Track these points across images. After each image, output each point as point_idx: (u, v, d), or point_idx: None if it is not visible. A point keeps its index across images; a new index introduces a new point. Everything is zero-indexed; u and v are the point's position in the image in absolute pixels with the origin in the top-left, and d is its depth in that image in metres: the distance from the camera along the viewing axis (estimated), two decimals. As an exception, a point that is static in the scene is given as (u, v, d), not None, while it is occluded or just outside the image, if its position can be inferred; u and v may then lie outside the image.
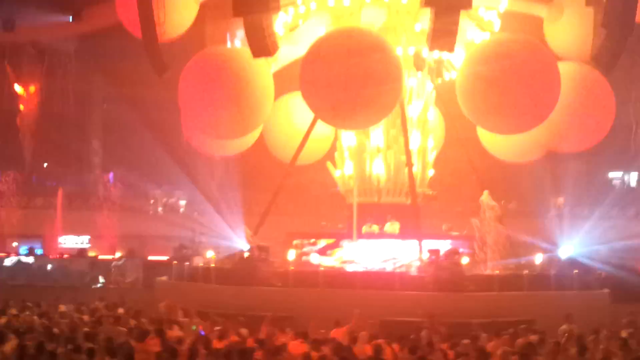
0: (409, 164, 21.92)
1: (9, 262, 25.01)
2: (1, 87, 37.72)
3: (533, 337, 12.98)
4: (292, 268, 20.03)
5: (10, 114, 36.54)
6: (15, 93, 37.23)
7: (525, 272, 19.13)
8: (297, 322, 15.54)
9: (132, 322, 14.66)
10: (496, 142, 23.00)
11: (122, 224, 32.76)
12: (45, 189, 35.67)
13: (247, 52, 19.49)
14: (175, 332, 13.49)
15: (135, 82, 34.83)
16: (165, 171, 40.85)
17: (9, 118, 36.30)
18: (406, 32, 22.37)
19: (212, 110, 20.49)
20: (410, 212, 21.80)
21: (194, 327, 14.23)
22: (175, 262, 22.25)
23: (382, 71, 18.49)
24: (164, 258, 25.21)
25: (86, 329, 13.49)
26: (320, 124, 21.53)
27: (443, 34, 18.34)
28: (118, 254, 28.31)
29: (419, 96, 23.08)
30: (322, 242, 21.83)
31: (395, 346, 12.01)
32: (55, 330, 13.21)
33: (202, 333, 13.34)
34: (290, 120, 23.56)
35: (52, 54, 37.61)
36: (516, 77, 18.70)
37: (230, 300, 18.10)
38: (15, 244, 35.06)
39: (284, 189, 23.90)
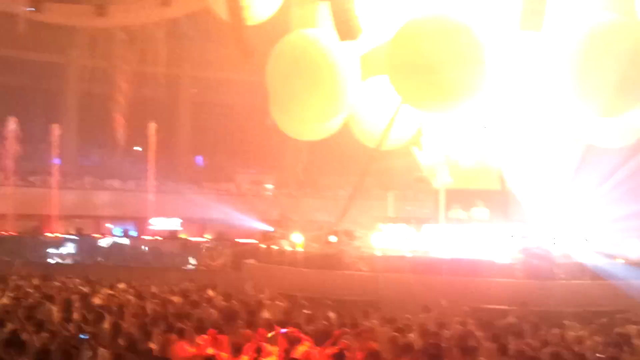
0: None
1: (104, 243, 25.88)
2: (94, 72, 38.99)
3: (631, 327, 12.57)
4: (378, 253, 20.01)
5: (103, 98, 37.69)
6: (108, 78, 38.36)
7: (619, 260, 18.52)
8: (383, 307, 15.54)
9: (223, 304, 14.94)
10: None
11: (211, 206, 33.44)
12: (137, 171, 36.68)
13: (333, 35, 19.49)
14: (264, 314, 13.73)
15: (222, 66, 35.40)
16: (253, 155, 41.52)
17: (102, 102, 37.44)
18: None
19: (299, 94, 20.60)
20: (500, 198, 21.43)
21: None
22: (262, 245, 22.57)
23: (469, 54, 18.19)
24: (252, 241, 25.64)
25: (177, 310, 13.87)
26: (406, 107, 21.36)
27: (532, 14, 17.88)
28: (207, 237, 28.91)
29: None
30: (407, 227, 21.68)
31: (482, 334, 11.86)
32: (148, 310, 13.62)
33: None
34: (376, 104, 23.43)
35: (142, 38, 38.56)
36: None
37: (317, 284, 18.21)
38: (110, 225, 36.35)
39: (370, 174, 23.87)
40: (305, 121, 22.51)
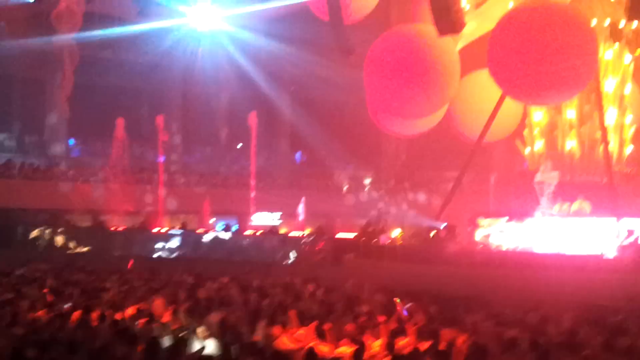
0: (605, 141, 20.83)
1: (207, 238, 26.52)
2: (195, 72, 40.11)
3: None
4: (479, 247, 19.75)
5: (206, 97, 38.67)
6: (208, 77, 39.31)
7: None
8: (485, 303, 15.32)
9: (323, 298, 15.09)
10: None
11: (310, 202, 33.77)
12: (239, 168, 37.50)
13: (433, 30, 19.32)
14: (363, 309, 13.77)
15: (321, 64, 35.71)
16: (351, 150, 41.64)
17: (205, 101, 38.42)
18: (601, 2, 21.20)
19: (398, 89, 20.54)
20: (605, 191, 20.76)
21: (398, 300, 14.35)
22: (362, 239, 22.65)
23: (576, 45, 17.66)
24: (351, 236, 25.75)
25: (280, 303, 14.11)
26: (508, 101, 20.97)
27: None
28: (307, 232, 29.20)
29: (615, 70, 21.82)
30: (510, 222, 21.29)
31: (590, 330, 11.51)
32: (252, 303, 13.90)
33: (405, 313, 13.44)
34: (477, 98, 23.10)
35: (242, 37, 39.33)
36: None
37: (416, 279, 18.14)
38: (212, 220, 37.27)
39: (470, 168, 23.58)
40: (405, 117, 22.43)
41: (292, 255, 24.68)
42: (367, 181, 38.16)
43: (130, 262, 21.19)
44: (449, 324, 11.88)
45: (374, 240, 21.82)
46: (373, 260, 20.99)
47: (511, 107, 22.02)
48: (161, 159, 31.80)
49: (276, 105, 42.60)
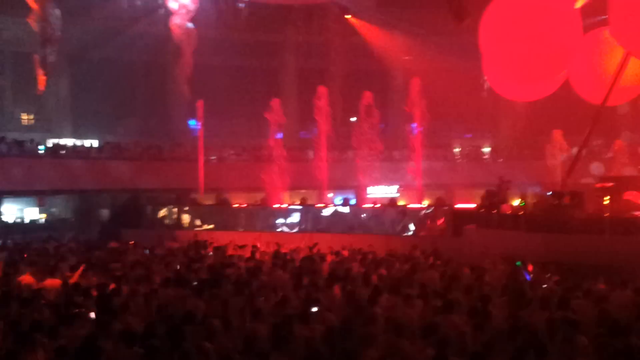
0: None
1: (327, 212, 26.80)
2: (309, 45, 40.41)
3: None
4: (608, 214, 19.00)
5: (319, 72, 38.93)
6: (322, 50, 39.52)
7: None
8: (612, 271, 14.77)
9: (443, 269, 15.03)
10: None
11: (428, 173, 33.52)
12: (355, 141, 37.54)
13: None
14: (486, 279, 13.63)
15: (437, 31, 35.21)
16: (469, 119, 40.94)
17: (319, 76, 38.67)
18: None
19: (516, 53, 19.93)
20: None
21: (518, 263, 14.13)
22: (482, 209, 22.29)
23: None
24: (471, 206, 25.39)
25: (401, 275, 14.16)
26: (633, 61, 19.95)
27: None
28: (426, 203, 29.00)
29: None
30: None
31: None
32: (374, 275, 13.99)
33: (528, 277, 13.23)
34: (599, 59, 22.09)
35: (354, 9, 39.29)
36: None
37: (540, 248, 17.70)
38: (330, 194, 37.62)
39: (595, 132, 22.67)
40: (523, 81, 21.76)
41: (412, 226, 24.60)
42: (486, 149, 37.37)
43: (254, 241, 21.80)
44: (578, 292, 11.60)
45: (495, 210, 21.41)
46: (495, 230, 20.63)
47: (636, 67, 20.92)
48: (279, 135, 32.29)
49: (390, 75, 42.41)
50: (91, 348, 8.12)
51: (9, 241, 24.00)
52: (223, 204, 29.98)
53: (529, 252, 17.15)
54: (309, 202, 30.50)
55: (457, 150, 37.37)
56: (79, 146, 32.73)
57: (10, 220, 33.08)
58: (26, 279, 13.91)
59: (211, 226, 27.60)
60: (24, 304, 10.92)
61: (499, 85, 22.78)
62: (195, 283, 13.19)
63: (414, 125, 43.04)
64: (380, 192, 32.60)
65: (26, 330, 8.86)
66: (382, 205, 27.70)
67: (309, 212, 27.28)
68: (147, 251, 20.04)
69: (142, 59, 38.33)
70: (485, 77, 22.80)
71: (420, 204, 29.03)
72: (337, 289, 12.23)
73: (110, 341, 8.64)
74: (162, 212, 28.97)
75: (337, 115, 38.36)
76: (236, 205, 29.21)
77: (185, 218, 28.48)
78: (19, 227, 31.93)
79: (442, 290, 11.95)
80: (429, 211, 24.87)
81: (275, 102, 31.89)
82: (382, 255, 17.90)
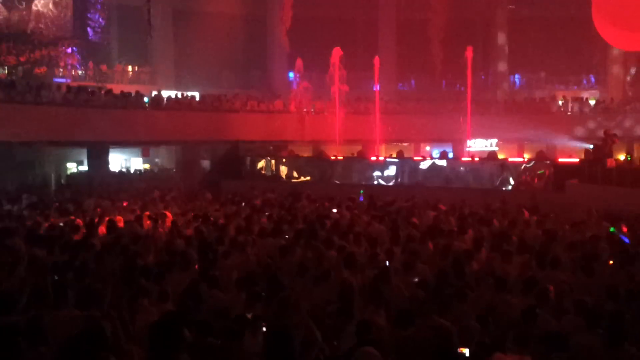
0: None
1: (424, 165, 26.59)
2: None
3: None
4: None
5: (419, 23, 38.28)
6: (422, 1, 38.75)
7: None
8: None
9: (543, 225, 14.70)
10: None
11: (528, 125, 32.72)
12: (454, 93, 36.97)
13: None
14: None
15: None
16: (574, 70, 39.50)
17: (419, 28, 38.05)
18: None
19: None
20: None
21: (612, 229, 13.72)
22: (586, 164, 21.62)
23: None
24: (574, 160, 24.66)
25: (499, 231, 13.94)
26: None
27: None
28: (526, 157, 28.34)
29: None
30: None
31: None
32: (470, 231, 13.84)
33: (626, 240, 12.81)
34: None
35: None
36: None
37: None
38: (428, 148, 37.30)
39: None
40: (634, 29, 20.76)
41: (511, 181, 24.14)
42: (592, 102, 35.97)
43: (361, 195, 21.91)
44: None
45: (600, 165, 20.71)
46: (598, 186, 20.00)
47: None
48: (376, 87, 32.09)
49: (492, 25, 41.29)
50: (194, 294, 8.42)
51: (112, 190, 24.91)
52: (320, 156, 30.19)
53: (636, 208, 16.57)
54: (406, 155, 30.32)
55: (560, 102, 36.10)
56: (181, 98, 33.47)
57: (116, 170, 34.41)
58: (133, 225, 14.50)
59: (307, 178, 27.89)
60: (129, 250, 11.37)
61: (608, 34, 21.82)
62: (290, 234, 13.40)
63: (516, 76, 41.98)
64: (479, 145, 32.00)
65: (133, 275, 9.24)
66: (481, 159, 27.26)
67: (406, 165, 27.14)
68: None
69: (243, 12, 38.69)
70: (595, 25, 21.81)
71: (521, 157, 28.38)
72: (433, 244, 12.17)
73: (212, 288, 8.94)
74: (261, 164, 29.45)
75: (436, 68, 37.79)
76: (333, 158, 29.35)
77: (283, 170, 28.86)
78: (124, 176, 33.17)
79: (542, 246, 11.71)
80: (529, 165, 24.30)
81: (374, 54, 31.62)
82: (480, 210, 17.64)
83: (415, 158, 29.18)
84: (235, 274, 9.92)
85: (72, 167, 35.53)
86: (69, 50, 35.09)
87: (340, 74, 30.42)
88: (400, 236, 12.61)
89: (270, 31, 39.42)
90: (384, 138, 32.33)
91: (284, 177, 28.58)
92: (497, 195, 21.75)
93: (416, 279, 9.45)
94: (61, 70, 34.15)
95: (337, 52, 30.41)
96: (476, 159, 27.33)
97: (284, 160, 29.27)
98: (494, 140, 32.71)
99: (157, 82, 37.25)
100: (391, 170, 26.87)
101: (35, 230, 13.61)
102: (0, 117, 25.16)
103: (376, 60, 31.06)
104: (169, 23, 37.85)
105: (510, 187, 23.90)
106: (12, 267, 9.76)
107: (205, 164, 34.85)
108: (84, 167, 33.60)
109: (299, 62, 33.18)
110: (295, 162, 29.12)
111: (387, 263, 10.42)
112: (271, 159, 29.49)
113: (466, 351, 6.75)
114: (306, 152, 31.83)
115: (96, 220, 15.14)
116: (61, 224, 15.06)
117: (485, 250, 11.62)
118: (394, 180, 26.57)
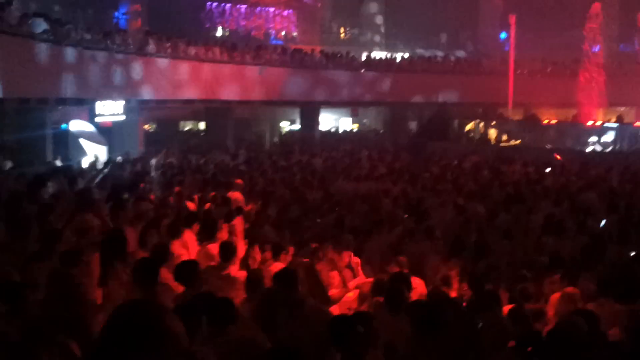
0: None
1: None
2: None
3: None
4: None
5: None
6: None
7: None
8: None
9: None
10: None
11: None
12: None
13: None
14: None
15: None
16: None
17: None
18: None
19: None
20: None
21: None
22: None
23: None
24: None
25: None
26: None
27: None
28: None
29: None
30: None
31: None
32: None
33: None
34: None
35: None
36: None
37: None
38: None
39: None
40: None
41: None
42: None
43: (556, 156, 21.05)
44: None
45: None
46: None
47: None
48: (595, 49, 30.29)
49: None
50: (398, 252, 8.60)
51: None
52: (531, 120, 29.15)
53: None
54: (626, 120, 28.47)
55: None
56: (391, 59, 33.67)
57: (326, 129, 35.47)
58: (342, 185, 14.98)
59: (517, 142, 27.08)
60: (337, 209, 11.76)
61: None
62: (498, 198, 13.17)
63: None
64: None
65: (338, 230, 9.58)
66: None
67: (626, 130, 25.50)
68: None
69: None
70: None
71: None
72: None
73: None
74: (469, 126, 29.01)
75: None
76: (545, 122, 28.23)
77: (492, 133, 28.24)
78: (333, 136, 34.14)
79: None
80: None
81: (593, 13, 29.80)
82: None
83: (637, 124, 27.30)
84: (439, 233, 9.95)
85: (285, 126, 37.13)
86: (285, 13, 36.46)
87: (556, 34, 29.03)
88: (619, 206, 11.93)
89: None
90: (601, 102, 30.49)
91: (492, 140, 27.95)
92: None
93: (632, 253, 8.96)
94: (277, 32, 35.61)
95: (552, 11, 29.02)
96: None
97: (493, 123, 28.61)
98: None
99: (368, 44, 37.72)
100: (609, 136, 25.39)
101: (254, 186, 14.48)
102: (221, 77, 26.78)
103: (595, 18, 29.24)
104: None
105: None
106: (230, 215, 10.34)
107: (413, 125, 34.92)
108: (296, 126, 34.95)
109: (512, 23, 32.03)
110: (505, 126, 28.37)
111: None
112: (479, 121, 28.93)
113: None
114: (517, 116, 30.81)
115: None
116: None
117: None
118: (611, 147, 25.08)
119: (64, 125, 22.33)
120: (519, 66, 32.26)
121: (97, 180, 15.57)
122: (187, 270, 6.24)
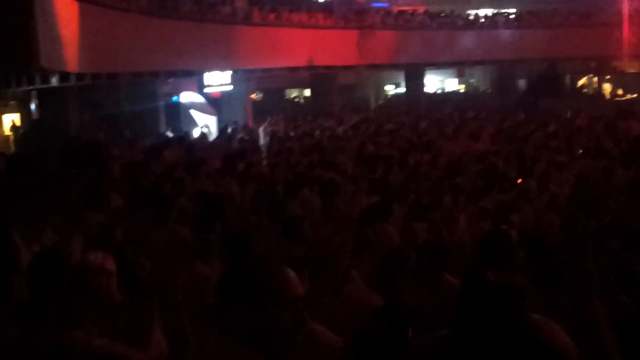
0: None
1: None
2: None
3: None
4: None
5: None
6: None
7: None
8: None
9: None
10: None
11: None
12: None
13: None
14: None
15: None
16: None
17: None
18: None
19: None
20: None
21: None
22: None
23: None
24: None
25: None
26: None
27: None
28: None
29: None
30: None
31: None
32: None
33: None
34: None
35: None
36: None
37: None
38: None
39: None
40: None
41: None
42: None
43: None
44: None
45: None
46: None
47: None
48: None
49: None
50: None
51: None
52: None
53: None
54: None
55: None
56: (497, 15, 32.72)
57: (432, 91, 35.01)
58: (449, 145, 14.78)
59: (634, 96, 25.89)
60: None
61: None
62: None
63: None
64: None
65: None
66: None
67: None
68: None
69: None
70: None
71: None
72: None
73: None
74: (581, 81, 27.98)
75: None
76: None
77: (606, 87, 27.15)
78: (439, 97, 33.67)
79: None
80: None
81: None
82: None
83: None
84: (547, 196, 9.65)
85: (389, 89, 36.88)
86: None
87: None
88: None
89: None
90: None
91: (607, 95, 26.87)
92: None
93: None
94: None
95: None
96: None
97: (607, 77, 27.46)
98: None
99: (473, 1, 36.77)
100: None
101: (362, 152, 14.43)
102: (325, 43, 26.81)
103: None
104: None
105: None
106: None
107: (522, 83, 33.93)
108: (401, 89, 34.64)
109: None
110: (621, 79, 27.18)
111: None
112: (593, 76, 27.84)
113: None
114: (632, 68, 29.41)
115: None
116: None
117: None
118: None
119: (175, 97, 23.02)
120: (634, 16, 30.64)
121: (209, 149, 15.96)
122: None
